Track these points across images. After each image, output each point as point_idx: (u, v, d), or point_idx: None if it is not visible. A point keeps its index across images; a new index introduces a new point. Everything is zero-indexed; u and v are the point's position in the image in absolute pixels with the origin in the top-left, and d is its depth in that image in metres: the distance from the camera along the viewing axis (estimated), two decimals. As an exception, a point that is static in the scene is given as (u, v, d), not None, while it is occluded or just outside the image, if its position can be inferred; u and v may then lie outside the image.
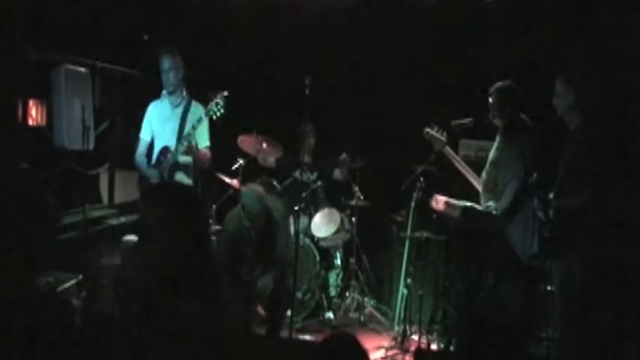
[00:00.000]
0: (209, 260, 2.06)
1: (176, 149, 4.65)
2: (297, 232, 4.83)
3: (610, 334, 3.94)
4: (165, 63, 4.73)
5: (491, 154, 4.54)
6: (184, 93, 4.82)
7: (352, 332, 4.22)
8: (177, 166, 4.71)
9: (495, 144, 4.54)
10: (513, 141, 4.37)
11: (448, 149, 4.72)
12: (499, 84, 4.49)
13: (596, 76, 4.59)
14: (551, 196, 3.96)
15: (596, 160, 3.84)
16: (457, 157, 4.74)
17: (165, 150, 4.72)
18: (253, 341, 4.47)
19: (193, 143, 4.63)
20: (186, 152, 4.66)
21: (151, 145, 4.88)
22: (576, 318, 3.88)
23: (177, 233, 1.99)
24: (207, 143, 4.84)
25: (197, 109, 4.78)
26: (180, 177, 4.74)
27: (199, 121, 4.67)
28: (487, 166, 4.56)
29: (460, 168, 4.70)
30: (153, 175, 4.72)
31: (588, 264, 3.84)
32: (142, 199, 2.13)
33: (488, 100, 4.53)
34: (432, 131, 4.74)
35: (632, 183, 4.04)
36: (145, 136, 4.91)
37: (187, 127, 4.70)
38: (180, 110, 4.77)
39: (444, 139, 4.70)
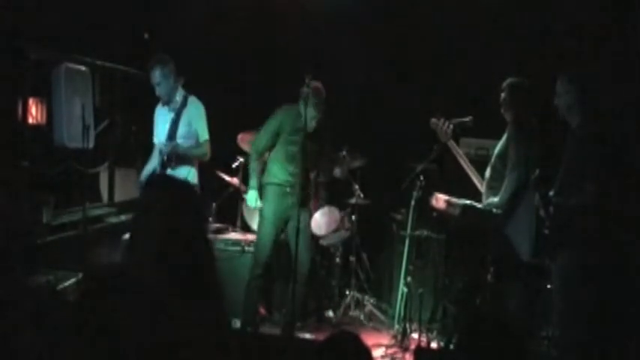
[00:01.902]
0: (207, 257, 2.03)
1: (165, 149, 4.76)
2: (297, 231, 4.83)
3: (610, 332, 3.94)
4: (154, 77, 4.79)
5: (499, 147, 4.55)
6: (178, 97, 4.86)
7: (352, 330, 4.22)
8: (164, 163, 4.78)
9: (503, 138, 4.55)
10: (521, 137, 4.39)
11: (452, 143, 4.73)
12: (511, 79, 4.51)
13: (597, 74, 4.60)
14: (551, 193, 3.97)
15: (596, 158, 3.84)
16: (460, 152, 4.75)
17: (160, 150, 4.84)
18: (255, 340, 4.47)
19: (174, 147, 4.73)
20: (172, 151, 4.75)
21: None
22: (575, 316, 3.88)
23: (172, 229, 1.97)
24: (206, 137, 4.89)
25: (192, 108, 4.83)
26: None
27: (194, 119, 4.77)
28: (493, 159, 4.57)
29: (463, 163, 4.71)
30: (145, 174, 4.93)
31: (588, 262, 3.84)
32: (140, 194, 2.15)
33: (488, 98, 4.55)
34: (438, 122, 4.74)
35: (632, 181, 4.04)
36: (154, 139, 5.05)
37: (181, 130, 4.77)
38: (174, 114, 4.83)
39: (449, 130, 4.70)
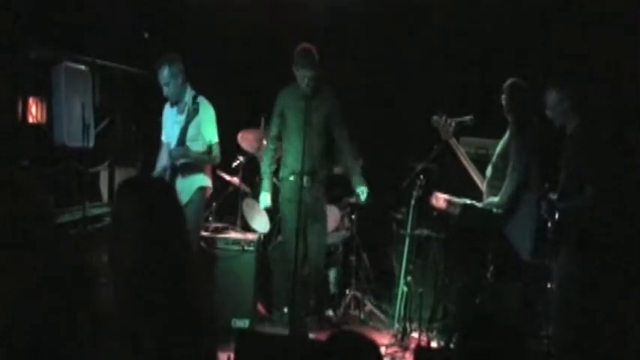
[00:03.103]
0: (184, 256, 2.01)
1: (175, 153, 4.72)
2: (297, 230, 4.82)
3: (608, 331, 3.95)
4: (162, 77, 4.72)
5: (500, 147, 4.56)
6: (187, 98, 4.80)
7: (354, 329, 4.21)
8: (175, 169, 4.75)
9: (505, 137, 4.56)
10: (522, 138, 4.40)
11: (454, 140, 4.73)
12: (511, 80, 4.52)
13: (584, 78, 4.64)
14: (554, 196, 3.97)
15: (595, 161, 3.86)
16: (462, 150, 4.75)
17: (170, 152, 4.80)
18: (257, 339, 4.47)
19: (185, 150, 4.68)
20: (182, 156, 4.72)
21: None
22: (575, 315, 3.89)
23: (144, 228, 1.96)
24: (215, 139, 4.83)
25: (202, 110, 4.75)
26: (179, 179, 4.79)
27: (203, 121, 4.71)
28: (494, 158, 4.58)
29: (463, 161, 4.72)
30: (159, 174, 4.82)
31: (587, 261, 3.86)
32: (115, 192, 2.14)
33: (487, 98, 4.56)
34: (439, 120, 4.75)
35: (631, 182, 4.06)
36: (163, 137, 5.01)
37: (190, 132, 4.71)
38: (184, 116, 4.76)
39: (451, 129, 4.70)
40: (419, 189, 4.93)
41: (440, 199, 4.66)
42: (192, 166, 4.79)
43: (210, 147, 4.82)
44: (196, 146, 4.78)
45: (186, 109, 4.72)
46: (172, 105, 4.87)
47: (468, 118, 4.77)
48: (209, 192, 4.96)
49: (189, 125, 4.70)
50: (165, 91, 4.76)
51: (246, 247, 5.27)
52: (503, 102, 4.51)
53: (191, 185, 4.78)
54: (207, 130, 4.79)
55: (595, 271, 3.87)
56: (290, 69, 4.86)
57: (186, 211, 4.75)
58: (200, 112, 4.72)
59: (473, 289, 4.71)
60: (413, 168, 4.95)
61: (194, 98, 4.76)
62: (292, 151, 4.90)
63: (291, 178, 4.90)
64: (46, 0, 4.82)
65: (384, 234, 5.88)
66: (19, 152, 4.52)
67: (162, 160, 4.89)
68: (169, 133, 4.89)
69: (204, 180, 4.87)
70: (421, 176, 4.90)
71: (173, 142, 4.78)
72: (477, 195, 4.64)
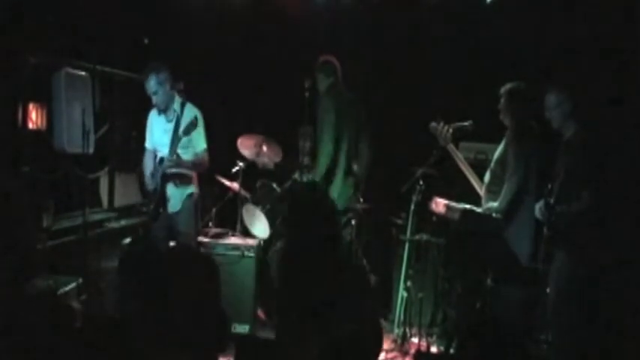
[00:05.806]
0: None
1: (167, 163, 4.75)
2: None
3: (604, 334, 3.96)
4: (150, 87, 4.76)
5: (498, 153, 4.56)
6: (176, 106, 4.84)
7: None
8: (166, 177, 4.80)
9: (502, 144, 4.56)
10: (520, 143, 4.40)
11: (452, 146, 4.73)
12: (509, 85, 4.51)
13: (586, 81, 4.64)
14: (551, 201, 3.98)
15: (593, 166, 3.87)
16: (460, 156, 4.76)
17: (160, 161, 4.83)
18: (257, 344, 4.46)
19: (177, 160, 4.72)
20: (173, 165, 4.76)
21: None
22: (571, 318, 3.90)
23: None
24: (204, 146, 4.89)
25: (190, 114, 4.78)
26: (170, 187, 4.85)
27: (193, 126, 4.69)
28: (492, 164, 4.58)
29: (462, 167, 4.71)
30: (150, 183, 4.89)
31: (584, 267, 3.86)
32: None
33: (487, 102, 4.56)
34: (437, 126, 4.75)
35: (628, 187, 4.07)
36: (147, 145, 5.07)
37: (181, 139, 4.73)
38: (174, 123, 4.79)
39: (449, 135, 4.71)
40: (419, 194, 4.94)
41: (439, 204, 4.66)
42: (182, 175, 4.86)
43: (198, 153, 4.85)
44: (187, 154, 4.82)
45: (175, 116, 4.78)
46: (160, 112, 4.89)
47: (467, 123, 4.77)
48: (196, 196, 5.03)
49: (179, 131, 4.72)
50: (154, 99, 4.81)
51: (246, 253, 5.27)
52: (501, 107, 4.51)
53: (182, 193, 4.90)
54: (196, 137, 4.83)
55: (591, 275, 3.87)
56: (291, 73, 4.89)
57: (181, 218, 4.89)
58: (188, 117, 4.74)
59: (472, 293, 4.71)
60: (413, 173, 4.96)
61: (182, 106, 4.80)
62: None
63: None
64: (46, 5, 4.83)
65: (383, 239, 5.87)
66: (19, 158, 4.52)
67: (149, 168, 4.93)
68: (158, 141, 4.93)
69: (192, 187, 4.99)
70: (421, 181, 4.91)
71: (164, 151, 4.80)
72: (477, 200, 4.65)
